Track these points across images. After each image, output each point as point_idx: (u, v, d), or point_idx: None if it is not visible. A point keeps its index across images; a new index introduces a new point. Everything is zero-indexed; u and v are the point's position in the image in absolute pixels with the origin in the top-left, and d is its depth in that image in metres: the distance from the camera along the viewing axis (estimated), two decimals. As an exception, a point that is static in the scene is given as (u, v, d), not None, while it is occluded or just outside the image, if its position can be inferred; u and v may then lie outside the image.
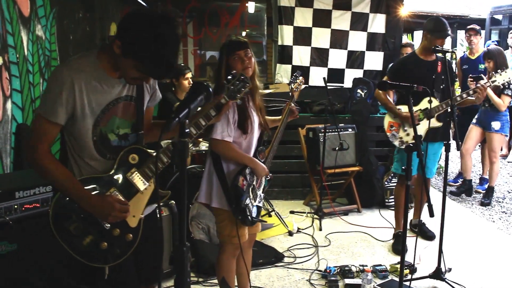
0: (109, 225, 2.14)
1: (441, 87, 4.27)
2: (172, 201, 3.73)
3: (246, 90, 2.69)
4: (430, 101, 4.10)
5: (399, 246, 4.51)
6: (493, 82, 4.37)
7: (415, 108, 4.30)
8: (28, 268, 2.94)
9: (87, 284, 2.26)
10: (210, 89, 1.76)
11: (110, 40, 2.14)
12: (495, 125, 6.06)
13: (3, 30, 3.97)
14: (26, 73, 4.46)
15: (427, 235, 4.79)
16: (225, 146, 2.93)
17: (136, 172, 2.20)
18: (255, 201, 3.08)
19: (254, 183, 3.07)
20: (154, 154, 2.24)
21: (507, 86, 5.74)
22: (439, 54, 4.33)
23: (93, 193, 2.11)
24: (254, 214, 3.06)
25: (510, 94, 5.83)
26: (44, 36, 4.95)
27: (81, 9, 6.25)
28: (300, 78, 3.42)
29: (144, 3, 7.66)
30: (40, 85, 4.78)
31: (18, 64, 4.28)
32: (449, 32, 4.39)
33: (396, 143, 4.48)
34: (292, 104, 3.29)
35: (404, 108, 4.41)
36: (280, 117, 3.30)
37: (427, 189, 3.91)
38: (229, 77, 2.61)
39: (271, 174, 3.21)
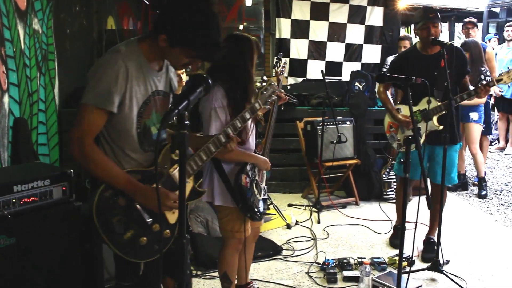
0: (151, 219, 2.12)
1: (445, 84, 3.77)
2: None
3: (274, 98, 2.83)
4: (429, 102, 3.80)
5: (395, 240, 4.53)
6: (498, 81, 3.99)
7: (413, 109, 3.95)
8: (26, 262, 2.93)
9: (121, 279, 2.25)
10: (210, 81, 1.75)
11: (150, 33, 2.15)
12: (473, 115, 6.05)
13: (-1, 23, 3.95)
14: (23, 67, 4.44)
15: (425, 257, 4.25)
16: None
17: (177, 168, 2.18)
18: (260, 195, 3.07)
19: (257, 177, 3.05)
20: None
21: (483, 78, 5.69)
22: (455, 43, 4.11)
23: None
24: (261, 209, 3.05)
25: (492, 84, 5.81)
26: (41, 30, 4.93)
27: (78, 3, 6.21)
28: (283, 60, 3.42)
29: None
30: (37, 79, 4.76)
31: (15, 58, 4.26)
32: (432, 16, 3.99)
33: (395, 145, 4.33)
34: (279, 89, 3.20)
35: (403, 108, 4.22)
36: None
37: (443, 196, 3.85)
38: (263, 83, 2.75)
39: (270, 164, 3.21)
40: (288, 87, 6.48)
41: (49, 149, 5.16)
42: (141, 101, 2.12)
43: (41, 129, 4.93)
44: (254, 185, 3.00)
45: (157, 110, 2.23)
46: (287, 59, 7.35)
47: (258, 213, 3.00)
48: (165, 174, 2.20)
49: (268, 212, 5.30)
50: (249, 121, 2.94)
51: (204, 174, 3.03)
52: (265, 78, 3.00)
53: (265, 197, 3.16)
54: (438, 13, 4.05)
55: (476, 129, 6.13)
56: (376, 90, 6.13)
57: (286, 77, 7.36)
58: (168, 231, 2.23)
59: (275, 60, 3.41)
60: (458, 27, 12.71)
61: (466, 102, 4.17)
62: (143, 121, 2.16)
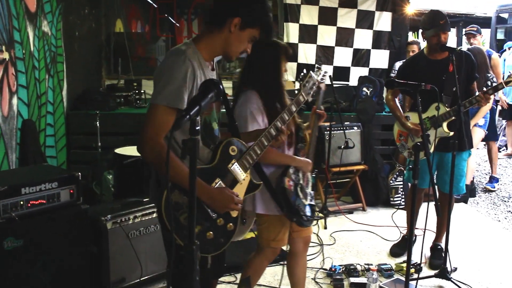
0: (215, 214, 2.19)
1: (454, 89, 3.75)
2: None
3: (315, 88, 2.85)
4: (437, 108, 3.79)
5: (395, 248, 4.51)
6: (507, 83, 3.87)
7: (422, 116, 3.87)
8: (33, 264, 2.94)
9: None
10: (221, 86, 1.75)
11: (206, 31, 2.25)
12: (480, 121, 6.01)
13: (9, 25, 3.97)
14: (32, 69, 4.46)
15: (433, 263, 4.22)
16: (265, 152, 2.79)
17: (236, 163, 2.30)
18: (306, 200, 2.97)
19: (301, 181, 2.97)
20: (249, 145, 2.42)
21: (490, 84, 5.65)
22: (466, 47, 4.00)
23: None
24: (308, 213, 2.96)
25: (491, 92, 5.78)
26: (50, 32, 4.95)
27: (87, 5, 6.25)
28: (323, 68, 3.38)
29: (149, 0, 7.65)
30: (45, 81, 4.78)
31: (24, 60, 4.28)
32: (443, 23, 3.93)
33: (405, 154, 4.27)
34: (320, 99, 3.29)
35: (412, 116, 4.16)
36: (307, 123, 3.30)
37: (451, 204, 3.81)
38: (302, 74, 2.80)
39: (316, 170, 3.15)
40: (295, 91, 6.46)
41: (57, 151, 5.18)
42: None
43: (49, 131, 4.94)
44: (298, 189, 2.91)
45: (215, 107, 2.33)
46: (295, 64, 7.35)
47: (304, 217, 2.90)
48: (225, 170, 2.26)
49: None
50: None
51: None
52: (304, 71, 2.98)
53: (312, 202, 3.05)
54: (447, 19, 4.00)
55: (477, 134, 6.10)
56: (384, 97, 6.11)
57: (294, 82, 7.34)
58: (231, 224, 2.28)
59: (315, 69, 3.39)
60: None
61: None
62: (204, 116, 2.25)
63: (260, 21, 2.22)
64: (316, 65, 3.34)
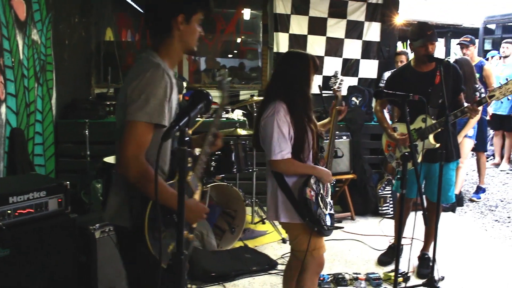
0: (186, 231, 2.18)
1: (440, 101, 3.76)
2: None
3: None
4: (424, 120, 3.84)
5: (383, 257, 4.54)
6: (491, 97, 3.84)
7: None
8: (21, 274, 2.92)
9: None
10: (210, 97, 1.76)
11: (159, 39, 2.21)
12: (469, 131, 6.07)
13: (-1, 34, 3.97)
14: (21, 77, 4.45)
15: (420, 272, 4.25)
16: (286, 164, 2.85)
17: (192, 175, 2.29)
18: (326, 210, 2.98)
19: (322, 191, 2.97)
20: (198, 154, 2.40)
21: (478, 95, 5.67)
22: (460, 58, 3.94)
23: None
24: (328, 223, 2.96)
25: (476, 105, 5.81)
26: (40, 41, 4.94)
27: (77, 14, 6.24)
28: (340, 77, 3.42)
29: (139, 9, 7.66)
30: (34, 89, 4.76)
31: (13, 68, 4.27)
32: (430, 33, 3.94)
33: (394, 164, 4.30)
34: (341, 104, 3.31)
35: (399, 127, 4.18)
36: (328, 119, 3.34)
37: (437, 216, 3.82)
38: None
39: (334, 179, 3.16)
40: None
41: (45, 160, 5.16)
42: (175, 110, 2.16)
43: (38, 139, 4.93)
44: (319, 198, 2.92)
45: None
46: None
47: (325, 226, 2.90)
48: (186, 183, 2.21)
49: (263, 226, 5.30)
50: (310, 136, 2.91)
51: (268, 193, 2.99)
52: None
53: (332, 211, 3.06)
54: (434, 30, 4.04)
55: (467, 144, 6.15)
56: (373, 107, 6.14)
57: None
58: (192, 235, 2.28)
59: (331, 78, 3.39)
60: (454, 43, 12.83)
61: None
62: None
63: (199, 5, 2.22)
64: (333, 74, 3.39)
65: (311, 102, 2.97)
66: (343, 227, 4.89)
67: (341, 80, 3.41)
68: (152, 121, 1.98)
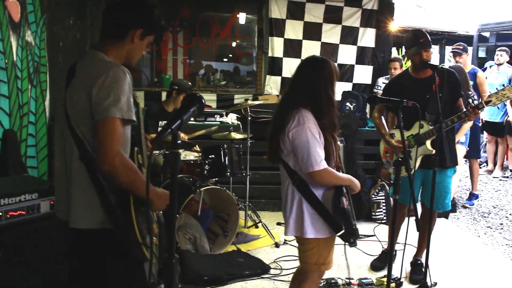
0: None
1: (437, 107, 3.70)
2: (160, 211, 3.70)
3: None
4: (420, 126, 3.86)
5: (376, 262, 4.54)
6: (487, 103, 3.85)
7: (406, 134, 4.01)
8: (13, 276, 2.90)
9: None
10: (203, 101, 1.76)
11: (110, 40, 2.28)
12: (461, 138, 6.08)
13: (-8, 35, 3.95)
14: (15, 78, 4.42)
15: (413, 278, 4.28)
16: (327, 173, 2.73)
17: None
18: (354, 218, 2.88)
19: (350, 200, 2.90)
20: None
21: (471, 102, 5.68)
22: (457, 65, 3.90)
23: None
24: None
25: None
26: (34, 42, 4.92)
27: (72, 16, 6.23)
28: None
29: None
30: (28, 91, 4.74)
31: (7, 70, 4.25)
32: (423, 41, 3.95)
33: (391, 170, 4.26)
34: None
35: (397, 133, 4.18)
36: None
37: (431, 222, 3.80)
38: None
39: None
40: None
41: (38, 162, 5.13)
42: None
43: (30, 141, 4.90)
44: (351, 207, 2.84)
45: None
46: (279, 78, 7.39)
47: (358, 237, 2.84)
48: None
49: (256, 231, 5.29)
50: (333, 144, 2.83)
51: (288, 208, 2.88)
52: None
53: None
54: (428, 37, 4.05)
55: (459, 151, 6.15)
56: (367, 112, 6.17)
57: (278, 96, 7.38)
58: (155, 238, 2.28)
59: None
60: (449, 50, 12.89)
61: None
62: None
63: (158, 29, 2.37)
64: None
65: (335, 108, 2.86)
66: (374, 235, 4.89)
67: None
68: (125, 117, 2.06)
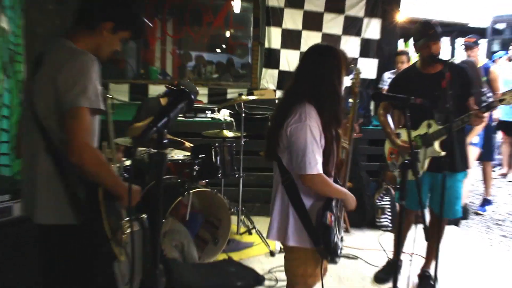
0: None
1: (447, 105, 3.64)
2: (143, 215, 3.67)
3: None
4: (429, 125, 3.83)
5: (380, 274, 4.52)
6: (501, 101, 3.77)
7: (413, 134, 3.95)
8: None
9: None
10: (192, 96, 1.73)
11: (80, 28, 2.38)
12: (474, 139, 6.08)
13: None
14: (-13, 68, 4.39)
15: None
16: (319, 180, 2.68)
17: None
18: (340, 233, 2.86)
19: (339, 213, 2.86)
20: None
21: (483, 100, 5.67)
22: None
23: None
24: (340, 250, 2.86)
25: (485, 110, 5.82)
26: (9, 29, 4.88)
27: (52, 1, 6.18)
28: (358, 67, 3.27)
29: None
30: (1, 82, 4.70)
31: (-22, 59, 4.21)
32: (432, 32, 3.93)
33: (396, 173, 4.26)
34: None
35: (403, 133, 4.16)
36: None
37: (440, 230, 3.79)
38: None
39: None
40: (276, 101, 6.48)
41: (11, 159, 5.08)
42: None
43: (4, 137, 4.86)
44: (337, 223, 2.79)
45: None
46: (276, 71, 7.38)
47: (339, 256, 2.82)
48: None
49: (249, 238, 5.27)
50: (335, 144, 2.77)
51: (275, 211, 2.83)
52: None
53: (342, 234, 2.95)
54: (437, 29, 4.03)
55: (471, 153, 6.15)
56: (371, 109, 6.15)
57: (275, 91, 7.37)
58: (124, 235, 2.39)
59: (351, 69, 3.20)
60: (460, 42, 12.88)
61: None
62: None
63: (133, 25, 2.45)
64: (352, 64, 3.24)
65: (342, 103, 2.79)
66: (356, 258, 4.89)
67: (359, 73, 3.28)
68: (93, 106, 2.14)
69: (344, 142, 3.01)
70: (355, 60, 3.18)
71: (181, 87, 2.32)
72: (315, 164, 2.63)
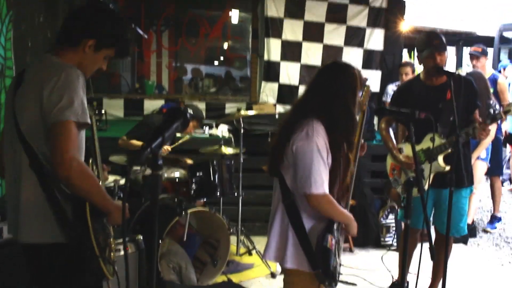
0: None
1: (451, 119, 3.70)
2: (139, 236, 3.68)
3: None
4: (432, 139, 3.81)
5: None
6: (506, 112, 3.84)
7: (416, 148, 3.80)
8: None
9: None
10: (188, 115, 1.75)
11: (63, 45, 2.42)
12: (482, 153, 6.10)
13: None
14: (-24, 84, 4.41)
15: None
16: (325, 201, 2.67)
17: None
18: (339, 257, 2.85)
19: (339, 237, 2.85)
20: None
21: (492, 112, 5.66)
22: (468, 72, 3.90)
23: None
24: (339, 272, 2.87)
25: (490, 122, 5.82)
26: (-2, 43, 4.91)
27: (42, 12, 6.22)
28: (367, 84, 3.23)
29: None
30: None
31: (-32, 74, 4.23)
32: (437, 42, 3.95)
33: (399, 190, 4.27)
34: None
35: (405, 148, 4.18)
36: None
37: (447, 249, 3.78)
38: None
39: None
40: (277, 116, 6.51)
41: (1, 179, 5.09)
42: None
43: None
44: (337, 247, 2.79)
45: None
46: (276, 85, 7.40)
47: (337, 280, 2.80)
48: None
49: (250, 258, 5.27)
50: (342, 165, 2.76)
51: (274, 230, 2.82)
52: None
53: (341, 257, 2.95)
54: (443, 39, 4.06)
55: (479, 168, 6.17)
56: (375, 124, 6.16)
57: (275, 105, 7.39)
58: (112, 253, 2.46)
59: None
60: (467, 52, 12.94)
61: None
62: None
63: (116, 42, 2.46)
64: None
65: (356, 124, 2.81)
66: (355, 285, 4.88)
67: (369, 90, 3.30)
68: (80, 120, 2.17)
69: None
70: (366, 79, 3.17)
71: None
72: (321, 183, 2.62)
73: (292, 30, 7.40)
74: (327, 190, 2.65)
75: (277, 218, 2.81)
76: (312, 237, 2.72)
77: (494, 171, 6.69)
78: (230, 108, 7.46)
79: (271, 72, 7.42)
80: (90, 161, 2.50)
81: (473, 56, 6.65)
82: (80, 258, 2.21)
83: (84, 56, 2.38)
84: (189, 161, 5.19)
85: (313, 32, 7.45)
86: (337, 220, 2.76)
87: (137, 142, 4.77)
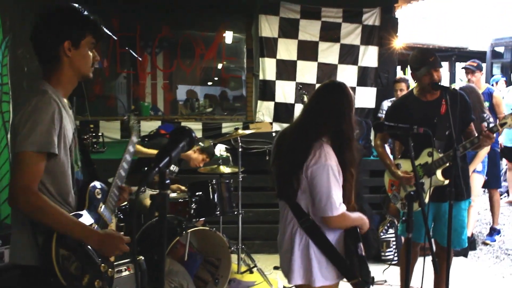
0: (100, 259, 2.26)
1: (447, 133, 3.78)
2: (141, 257, 3.66)
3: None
4: (430, 154, 3.85)
5: None
6: (502, 125, 3.85)
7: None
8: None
9: None
10: (194, 134, 1.77)
11: (49, 67, 2.38)
12: (478, 166, 6.12)
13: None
14: (-26, 109, 4.42)
15: None
16: (344, 219, 2.76)
17: (103, 206, 2.44)
18: None
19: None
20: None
21: (487, 125, 5.69)
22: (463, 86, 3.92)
23: None
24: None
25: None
26: (-4, 68, 4.93)
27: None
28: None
29: (109, 32, 7.71)
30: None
31: (-34, 99, 4.24)
32: (433, 59, 3.99)
33: (399, 205, 4.30)
34: None
35: (403, 163, 4.19)
36: None
37: (448, 262, 3.80)
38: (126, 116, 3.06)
39: None
40: (273, 134, 6.53)
41: (0, 203, 5.08)
42: (71, 139, 2.30)
43: (-9, 180, 4.86)
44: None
45: (76, 147, 2.42)
46: (272, 103, 7.43)
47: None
48: (97, 214, 2.40)
49: (251, 276, 5.25)
50: (351, 186, 2.83)
51: (295, 254, 2.83)
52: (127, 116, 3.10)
53: None
54: (437, 55, 4.11)
55: (476, 180, 6.18)
56: (372, 140, 6.18)
57: (271, 123, 7.41)
58: (111, 270, 2.35)
59: None
60: (459, 67, 13.04)
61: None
62: (70, 159, 2.34)
63: (87, 28, 2.37)
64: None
65: (354, 139, 2.87)
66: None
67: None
68: (42, 150, 2.13)
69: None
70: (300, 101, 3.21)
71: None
72: (339, 203, 2.69)
73: (287, 49, 7.45)
74: (344, 208, 2.71)
75: (296, 242, 2.83)
76: (339, 248, 2.77)
77: (492, 184, 6.72)
78: (226, 127, 7.48)
79: (267, 91, 7.45)
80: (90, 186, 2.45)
81: (468, 70, 6.70)
82: (47, 284, 2.17)
83: (71, 60, 2.34)
84: (183, 188, 5.18)
85: (308, 51, 7.49)
86: (356, 225, 2.83)
87: (148, 150, 4.76)
